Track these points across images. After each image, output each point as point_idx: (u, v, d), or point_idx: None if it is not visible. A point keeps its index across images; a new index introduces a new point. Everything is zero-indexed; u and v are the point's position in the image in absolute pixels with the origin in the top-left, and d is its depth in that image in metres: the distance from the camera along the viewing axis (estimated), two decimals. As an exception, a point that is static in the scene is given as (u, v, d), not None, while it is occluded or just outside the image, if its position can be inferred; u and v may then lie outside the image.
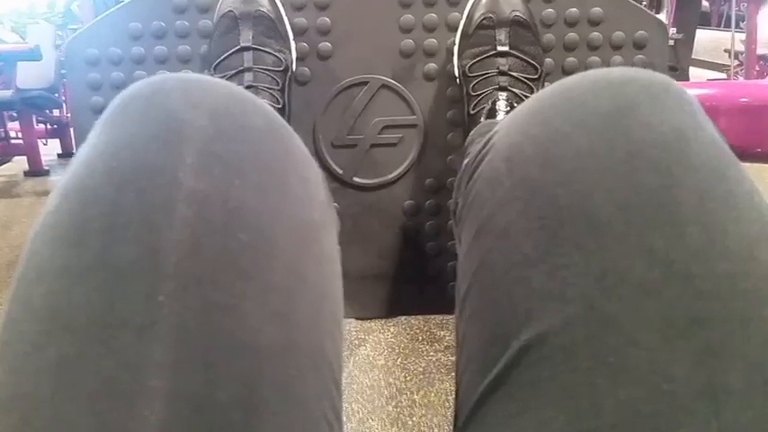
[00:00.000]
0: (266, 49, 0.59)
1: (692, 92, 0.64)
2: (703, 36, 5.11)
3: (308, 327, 0.27)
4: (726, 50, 4.39)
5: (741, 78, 3.92)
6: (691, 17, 3.90)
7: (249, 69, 0.58)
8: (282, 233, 0.27)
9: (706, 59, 5.54)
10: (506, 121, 0.34)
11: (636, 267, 0.24)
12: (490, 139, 0.35)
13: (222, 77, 0.58)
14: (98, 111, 0.65)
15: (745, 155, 0.59)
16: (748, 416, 0.22)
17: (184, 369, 0.22)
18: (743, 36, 3.68)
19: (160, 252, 0.24)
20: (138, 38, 0.63)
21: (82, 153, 0.27)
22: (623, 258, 0.25)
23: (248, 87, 0.57)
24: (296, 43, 0.63)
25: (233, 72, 0.58)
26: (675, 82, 0.30)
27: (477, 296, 0.32)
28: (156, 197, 0.24)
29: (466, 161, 0.45)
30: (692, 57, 4.37)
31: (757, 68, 3.94)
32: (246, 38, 0.58)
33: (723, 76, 4.64)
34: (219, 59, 0.59)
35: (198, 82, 0.28)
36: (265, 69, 0.58)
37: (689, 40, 4.00)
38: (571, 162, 0.27)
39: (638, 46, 0.61)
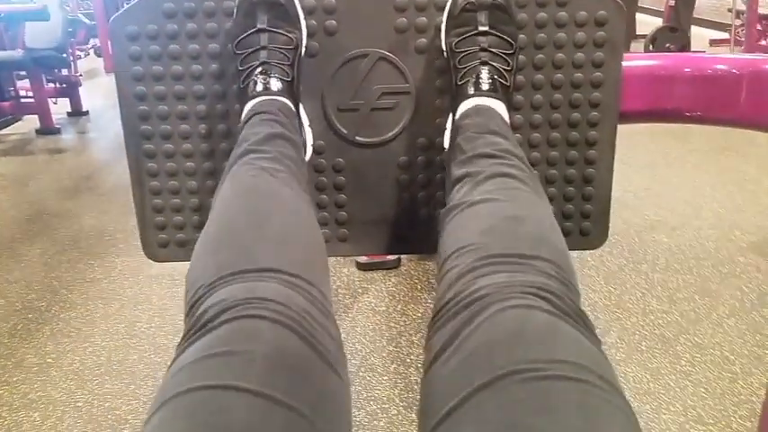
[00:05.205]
0: (279, 31, 0.68)
1: (646, 63, 0.73)
2: (707, -5, 5.07)
3: None
4: (728, 10, 4.36)
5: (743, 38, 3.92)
6: (693, -24, 3.88)
7: (264, 48, 0.67)
8: None
9: (708, 19, 5.51)
10: None
11: None
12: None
13: (241, 54, 0.67)
14: (138, 78, 0.73)
15: (685, 118, 0.68)
16: None
17: None
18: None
19: None
20: (172, 16, 0.72)
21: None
22: None
23: (262, 63, 0.66)
24: (306, 21, 0.71)
25: (251, 50, 0.67)
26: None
27: None
28: None
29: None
30: (695, 16, 4.33)
31: (759, 28, 3.94)
32: (262, 21, 0.67)
33: (725, 35, 4.63)
34: (240, 38, 0.68)
35: None
36: (278, 48, 0.67)
37: (690, 1, 4.00)
38: None
39: (599, 24, 0.70)
